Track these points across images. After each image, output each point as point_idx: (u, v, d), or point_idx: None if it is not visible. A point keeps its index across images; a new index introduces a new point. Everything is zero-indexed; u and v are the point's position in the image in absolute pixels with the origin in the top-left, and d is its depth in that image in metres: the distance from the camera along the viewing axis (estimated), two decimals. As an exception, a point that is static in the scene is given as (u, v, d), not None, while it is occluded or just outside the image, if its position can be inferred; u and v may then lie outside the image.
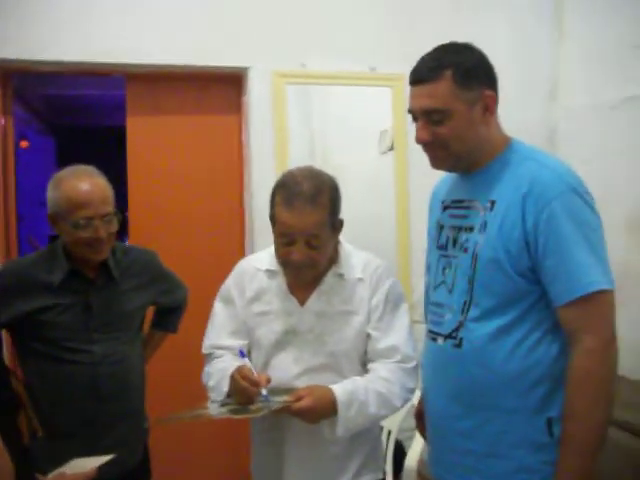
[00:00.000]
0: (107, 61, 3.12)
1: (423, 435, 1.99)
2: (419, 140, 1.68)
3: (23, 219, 4.47)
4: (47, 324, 1.99)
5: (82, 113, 6.74)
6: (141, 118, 3.34)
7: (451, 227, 1.76)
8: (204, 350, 1.98)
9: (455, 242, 1.73)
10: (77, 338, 2.02)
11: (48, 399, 2.02)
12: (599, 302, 1.54)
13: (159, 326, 2.44)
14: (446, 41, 1.74)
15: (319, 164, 3.32)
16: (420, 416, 1.96)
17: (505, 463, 1.64)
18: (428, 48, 1.74)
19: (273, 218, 1.82)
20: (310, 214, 1.74)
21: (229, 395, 1.81)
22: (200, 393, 1.96)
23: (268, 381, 1.74)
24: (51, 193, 2.00)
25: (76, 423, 2.02)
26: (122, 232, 4.99)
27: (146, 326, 2.34)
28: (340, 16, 3.37)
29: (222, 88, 3.40)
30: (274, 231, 1.83)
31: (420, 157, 1.76)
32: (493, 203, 1.65)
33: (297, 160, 3.25)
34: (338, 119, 3.48)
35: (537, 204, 1.56)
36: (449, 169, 1.78)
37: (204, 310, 2.06)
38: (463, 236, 1.70)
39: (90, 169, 2.04)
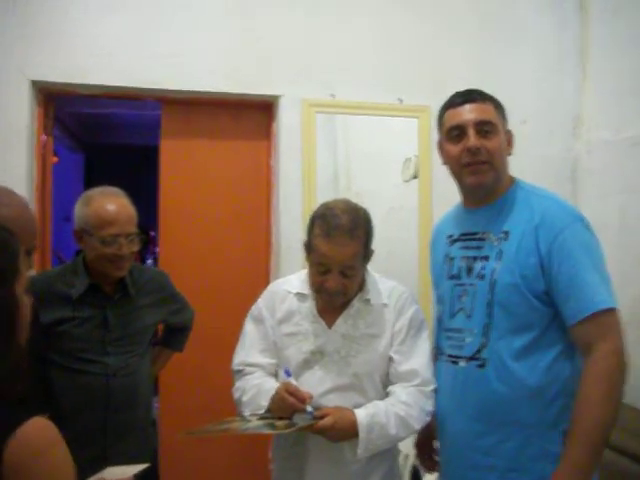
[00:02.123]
0: (144, 86, 3.24)
1: (426, 463, 2.15)
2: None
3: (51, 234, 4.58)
4: (65, 335, 2.08)
5: (113, 131, 6.87)
6: (174, 141, 3.44)
7: (464, 257, 1.90)
8: (234, 367, 2.06)
9: (470, 271, 1.87)
10: (92, 350, 2.11)
11: (61, 407, 2.07)
12: (609, 319, 1.69)
13: (167, 345, 2.54)
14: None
15: (342, 190, 3.45)
16: (423, 446, 2.10)
17: (527, 476, 1.76)
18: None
19: (309, 247, 1.92)
20: (347, 246, 1.84)
21: (268, 410, 1.89)
22: (214, 406, 2.02)
23: (311, 398, 1.84)
24: (80, 209, 2.12)
25: (87, 432, 2.08)
26: (145, 251, 5.04)
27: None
28: (370, 48, 3.47)
29: (253, 114, 3.50)
30: (309, 259, 1.93)
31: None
32: (507, 233, 1.81)
33: (323, 185, 3.37)
34: (363, 147, 3.56)
35: (549, 233, 1.73)
36: (485, 187, 1.88)
37: (228, 331, 2.16)
38: (479, 264, 1.84)
39: (118, 190, 2.16)
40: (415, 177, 3.55)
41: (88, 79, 3.17)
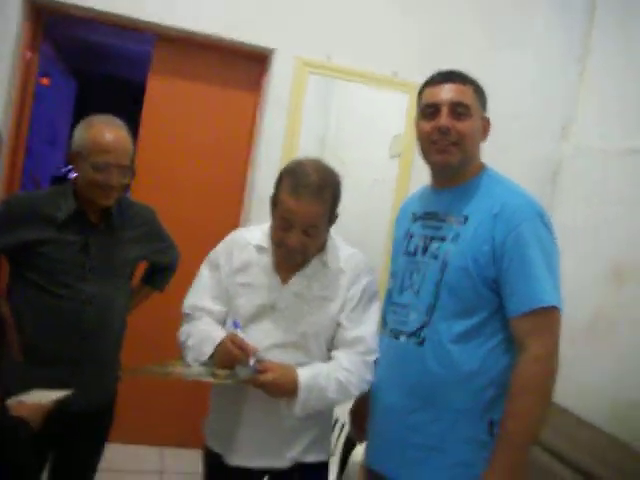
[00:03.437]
0: (138, 17, 3.18)
1: (357, 432, 2.16)
2: (442, 125, 1.81)
3: (30, 154, 4.53)
4: (45, 256, 2.07)
5: (110, 62, 6.77)
6: (163, 78, 3.41)
7: (422, 236, 1.90)
8: (184, 309, 2.06)
9: (425, 250, 1.87)
10: (71, 274, 2.09)
11: (32, 327, 2.09)
12: (549, 317, 1.71)
13: (148, 282, 2.53)
14: (472, 63, 1.87)
15: (327, 156, 3.41)
16: (356, 414, 2.12)
17: (448, 457, 1.78)
18: (452, 65, 1.87)
19: (275, 201, 1.90)
20: (313, 205, 1.83)
21: (212, 358, 1.89)
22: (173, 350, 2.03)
23: (256, 352, 1.84)
24: (80, 133, 2.10)
25: (54, 355, 2.09)
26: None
27: (136, 280, 2.42)
28: (371, 17, 3.43)
29: (246, 64, 3.46)
30: (274, 213, 1.91)
31: (424, 165, 1.88)
32: (466, 218, 1.81)
33: (306, 148, 3.34)
34: (353, 116, 3.55)
35: (507, 225, 1.74)
36: (448, 168, 1.87)
37: (191, 273, 2.14)
38: (435, 245, 1.85)
39: (120, 123, 2.14)
40: (400, 155, 3.54)
41: (83, 1, 3.11)
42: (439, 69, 1.92)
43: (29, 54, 3.23)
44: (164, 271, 2.51)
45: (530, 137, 3.63)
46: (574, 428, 2.95)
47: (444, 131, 1.80)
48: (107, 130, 2.08)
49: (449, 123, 1.80)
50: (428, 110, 1.86)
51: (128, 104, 4.90)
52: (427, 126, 1.85)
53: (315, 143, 3.47)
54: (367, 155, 3.59)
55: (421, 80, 1.87)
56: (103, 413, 2.27)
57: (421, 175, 2.05)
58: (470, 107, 1.82)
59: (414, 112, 3.18)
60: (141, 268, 2.45)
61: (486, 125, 1.89)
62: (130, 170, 2.13)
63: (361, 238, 2.94)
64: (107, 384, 2.26)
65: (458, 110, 1.81)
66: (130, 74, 6.30)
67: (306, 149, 3.34)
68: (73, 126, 2.18)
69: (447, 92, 1.83)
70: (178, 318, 2.08)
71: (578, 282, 3.19)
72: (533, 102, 3.64)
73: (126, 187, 2.19)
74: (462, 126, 1.81)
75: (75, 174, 2.15)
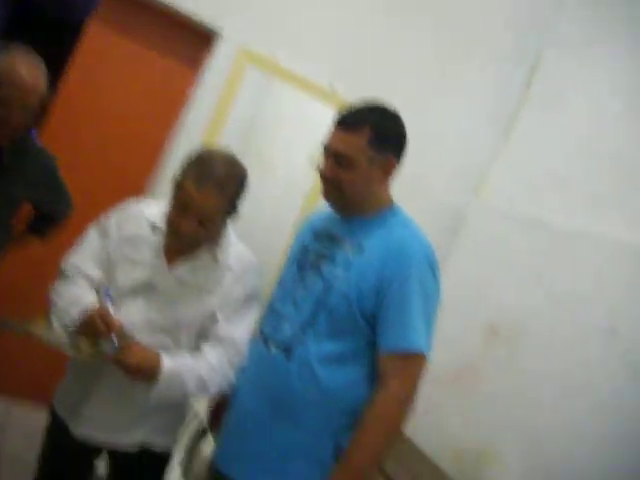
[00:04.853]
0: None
1: (213, 422, 2.17)
2: (322, 174, 1.87)
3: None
4: None
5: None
6: (103, 31, 3.30)
7: (316, 253, 1.93)
8: (63, 265, 2.00)
9: (316, 268, 1.90)
10: None
11: None
12: (415, 362, 1.78)
13: (31, 229, 2.45)
14: (405, 96, 1.85)
15: (251, 153, 3.41)
16: (216, 411, 2.13)
17: (293, 471, 1.82)
18: (386, 88, 1.87)
19: (177, 184, 1.87)
20: (213, 197, 1.82)
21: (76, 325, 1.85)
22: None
23: (121, 328, 1.81)
24: None
25: None
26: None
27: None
28: (322, 24, 3.44)
29: (190, 39, 3.39)
30: (173, 195, 1.88)
31: None
32: (362, 249, 1.85)
33: (229, 137, 3.32)
34: (282, 117, 3.55)
35: (397, 265, 1.79)
36: (335, 208, 1.95)
37: (78, 230, 2.10)
38: (325, 265, 1.88)
39: (39, 62, 2.05)
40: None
41: None
42: (373, 88, 1.93)
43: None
44: (49, 221, 2.44)
45: (442, 184, 3.73)
46: (417, 464, 3.06)
47: (324, 180, 1.87)
48: (21, 63, 1.98)
49: (328, 173, 1.85)
50: (324, 150, 1.89)
51: (59, 46, 4.70)
52: (320, 166, 1.89)
53: (239, 137, 3.45)
54: (288, 160, 3.60)
55: (350, 97, 1.93)
56: None
57: None
58: (353, 158, 1.81)
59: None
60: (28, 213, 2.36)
61: (387, 166, 1.88)
62: (35, 112, 2.04)
63: (263, 238, 2.96)
64: None
65: (340, 160, 1.82)
66: (67, 13, 6.04)
67: (229, 139, 3.33)
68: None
69: (334, 140, 1.85)
70: (53, 271, 2.02)
71: (455, 333, 3.31)
72: (453, 151, 3.74)
73: (29, 128, 2.10)
74: (343, 176, 1.83)
75: None
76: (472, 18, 3.66)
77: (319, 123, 3.49)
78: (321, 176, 1.87)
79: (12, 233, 2.31)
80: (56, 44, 4.75)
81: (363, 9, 3.49)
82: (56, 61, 3.29)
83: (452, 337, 3.24)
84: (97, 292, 1.95)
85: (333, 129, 1.86)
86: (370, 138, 1.82)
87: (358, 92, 3.27)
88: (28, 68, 1.99)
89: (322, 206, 2.04)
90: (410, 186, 1.94)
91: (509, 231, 3.51)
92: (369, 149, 1.82)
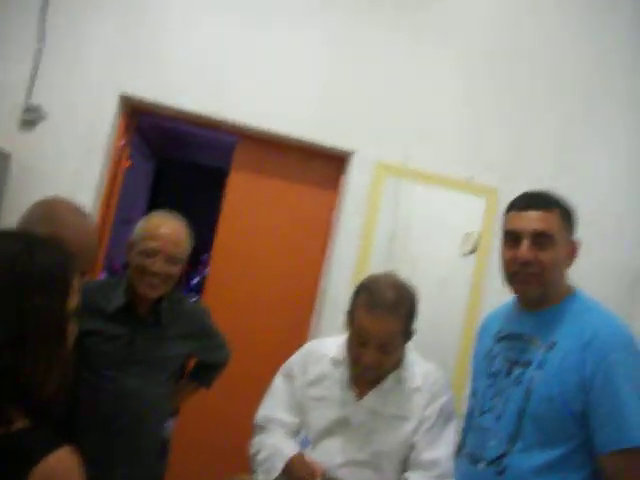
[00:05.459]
0: (222, 118, 3.33)
1: None
2: (523, 258, 1.77)
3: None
4: (90, 349, 2.04)
5: (186, 147, 6.99)
6: (244, 173, 3.51)
7: (506, 358, 1.85)
8: (257, 420, 2.06)
9: (509, 374, 1.82)
10: (113, 367, 2.08)
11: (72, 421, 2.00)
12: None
13: (194, 378, 2.50)
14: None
15: (398, 251, 3.43)
16: None
17: None
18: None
19: (351, 317, 1.91)
20: (388, 323, 1.83)
21: (282, 474, 1.88)
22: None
23: (324, 472, 1.83)
24: (139, 225, 2.17)
25: (91, 451, 2.04)
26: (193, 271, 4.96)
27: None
28: (452, 120, 3.48)
29: (324, 165, 3.53)
30: (349, 328, 1.91)
31: (498, 268, 1.88)
32: (554, 344, 1.75)
33: (379, 246, 3.37)
34: (425, 213, 3.54)
35: (596, 355, 1.67)
36: (531, 296, 1.84)
37: (255, 376, 2.16)
38: (518, 369, 1.79)
39: (179, 217, 2.19)
40: (472, 252, 3.51)
41: (171, 101, 3.29)
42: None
43: (121, 143, 3.42)
44: (211, 368, 2.48)
45: (609, 241, 3.54)
46: None
47: (524, 263, 1.77)
48: (162, 221, 2.13)
49: (530, 255, 1.76)
50: (509, 237, 1.82)
51: (204, 189, 5.03)
52: (508, 254, 1.82)
53: (386, 241, 3.48)
54: (437, 252, 3.57)
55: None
56: None
57: (497, 276, 2.00)
58: (553, 236, 1.76)
59: (490, 213, 3.17)
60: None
61: (573, 249, 1.83)
62: (180, 262, 2.13)
63: (431, 339, 2.91)
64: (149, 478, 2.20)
65: (540, 240, 1.76)
66: (208, 160, 6.48)
67: (379, 247, 3.38)
68: (149, 208, 2.24)
69: (529, 221, 1.78)
70: (244, 427, 2.08)
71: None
72: (614, 204, 3.57)
73: (176, 281, 2.18)
74: (544, 257, 1.76)
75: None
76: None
77: (464, 213, 3.52)
78: (522, 262, 1.77)
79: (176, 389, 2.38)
80: (206, 187, 5.05)
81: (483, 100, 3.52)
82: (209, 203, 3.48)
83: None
84: (295, 439, 1.98)
85: (521, 211, 1.81)
86: (562, 215, 1.79)
87: (502, 176, 3.35)
88: (169, 223, 2.14)
89: (487, 301, 1.97)
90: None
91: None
92: (563, 227, 1.79)
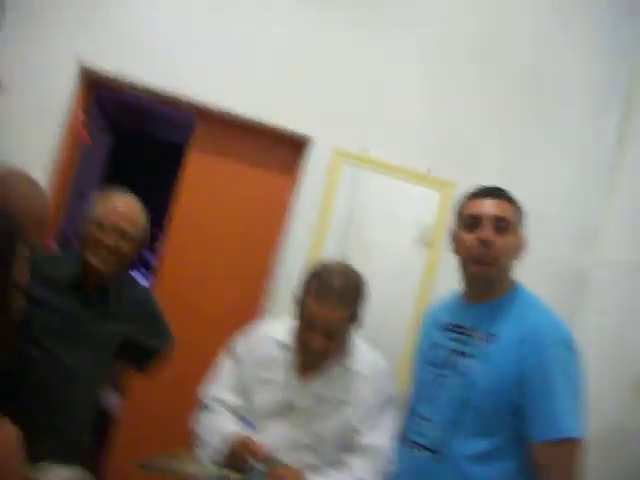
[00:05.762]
0: (180, 95, 3.31)
1: None
2: (487, 237, 1.83)
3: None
4: (32, 318, 1.99)
5: (145, 120, 6.88)
6: (202, 153, 3.49)
7: (449, 349, 1.91)
8: (201, 397, 2.07)
9: (452, 365, 1.87)
10: (51, 339, 2.05)
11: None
12: (570, 447, 1.72)
13: (130, 360, 2.43)
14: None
15: (352, 239, 3.46)
16: None
17: None
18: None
19: (300, 302, 1.93)
20: (336, 310, 1.86)
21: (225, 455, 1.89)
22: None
23: (266, 453, 1.85)
24: (96, 198, 2.19)
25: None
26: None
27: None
28: (408, 113, 3.49)
29: (284, 148, 3.52)
30: (297, 313, 1.94)
31: (452, 257, 1.97)
32: (495, 337, 1.82)
33: (333, 232, 3.39)
34: (381, 202, 3.57)
35: (534, 350, 1.76)
36: (486, 280, 1.90)
37: (206, 357, 2.17)
38: (461, 361, 1.85)
39: (136, 200, 2.20)
40: (426, 245, 3.55)
41: (131, 75, 3.26)
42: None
43: (79, 115, 3.37)
44: (149, 354, 2.42)
45: (557, 242, 3.61)
46: None
47: (486, 243, 1.83)
48: (119, 198, 2.16)
49: (492, 236, 1.83)
50: (470, 222, 1.89)
51: (164, 165, 4.96)
52: (469, 237, 1.87)
53: (341, 227, 3.49)
54: (391, 240, 3.60)
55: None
56: None
57: (448, 266, 2.05)
58: (510, 224, 1.86)
59: (445, 207, 3.26)
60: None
61: (523, 242, 1.92)
62: (133, 242, 2.14)
63: (381, 322, 2.95)
64: (77, 454, 2.14)
65: (500, 225, 1.85)
66: (169, 136, 6.39)
67: (334, 232, 3.40)
68: (103, 181, 2.25)
69: (490, 206, 1.87)
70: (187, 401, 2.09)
71: (597, 396, 3.14)
72: (563, 207, 3.62)
73: (129, 262, 2.19)
74: (502, 241, 1.84)
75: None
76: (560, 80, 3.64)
77: (421, 205, 3.56)
78: (481, 241, 1.84)
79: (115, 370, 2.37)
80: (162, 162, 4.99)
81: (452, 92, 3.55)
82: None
83: (595, 400, 3.07)
84: (238, 420, 1.99)
85: (482, 198, 1.90)
86: (515, 210, 1.90)
87: (459, 171, 3.38)
88: (127, 202, 2.16)
89: (438, 293, 2.01)
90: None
91: (634, 279, 3.35)
92: (517, 219, 1.90)
